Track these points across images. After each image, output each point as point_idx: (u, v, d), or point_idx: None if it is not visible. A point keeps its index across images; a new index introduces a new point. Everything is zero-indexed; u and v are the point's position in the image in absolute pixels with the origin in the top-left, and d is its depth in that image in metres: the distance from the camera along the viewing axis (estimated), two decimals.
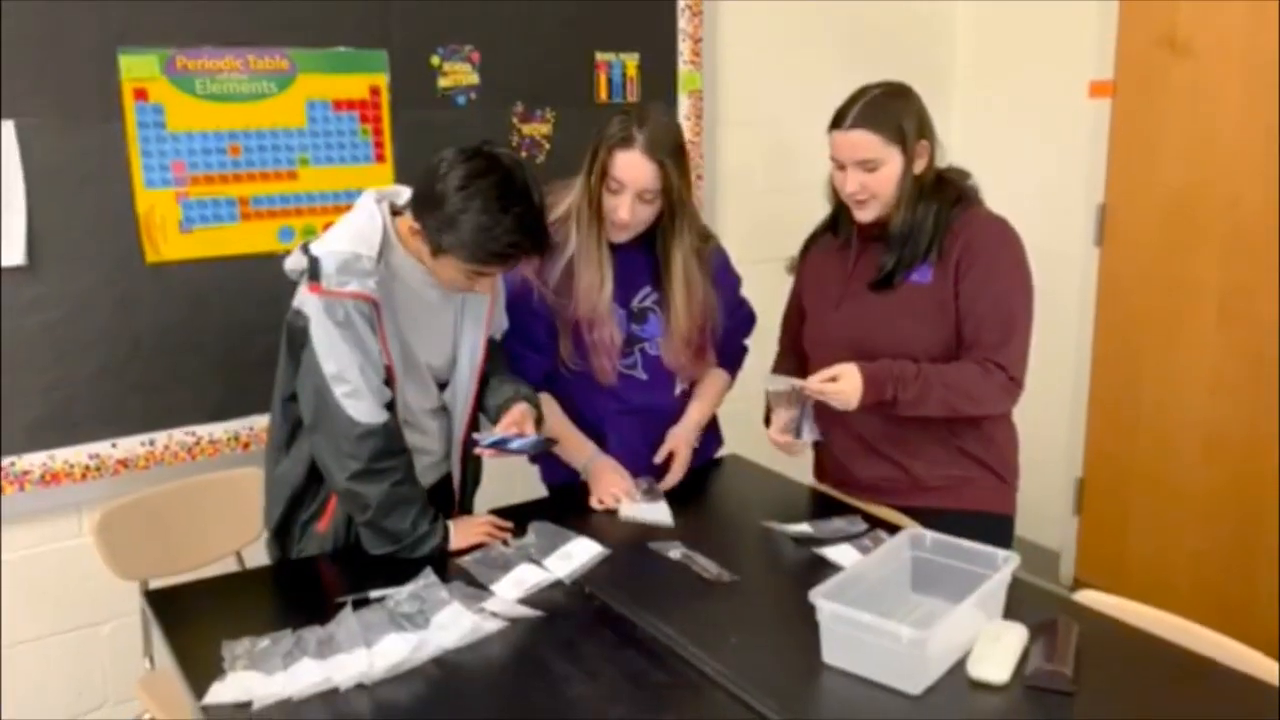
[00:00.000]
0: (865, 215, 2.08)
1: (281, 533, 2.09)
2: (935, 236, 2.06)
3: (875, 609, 1.59)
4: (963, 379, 2.02)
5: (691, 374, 2.32)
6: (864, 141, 2.01)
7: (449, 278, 1.90)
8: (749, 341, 2.45)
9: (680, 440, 2.30)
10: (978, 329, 2.04)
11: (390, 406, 1.96)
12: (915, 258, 2.06)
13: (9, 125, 2.28)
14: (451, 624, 1.72)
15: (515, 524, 2.09)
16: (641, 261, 2.21)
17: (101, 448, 2.50)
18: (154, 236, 2.47)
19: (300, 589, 1.97)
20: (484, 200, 1.79)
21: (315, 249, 1.87)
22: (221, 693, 1.55)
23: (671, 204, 2.11)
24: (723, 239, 3.38)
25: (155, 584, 2.36)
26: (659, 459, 2.30)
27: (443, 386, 2.11)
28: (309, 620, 1.74)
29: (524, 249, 1.86)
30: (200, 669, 1.63)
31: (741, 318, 2.41)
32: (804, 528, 2.06)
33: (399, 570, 1.90)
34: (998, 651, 1.60)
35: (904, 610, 1.76)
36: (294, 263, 1.90)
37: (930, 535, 1.82)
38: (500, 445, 1.98)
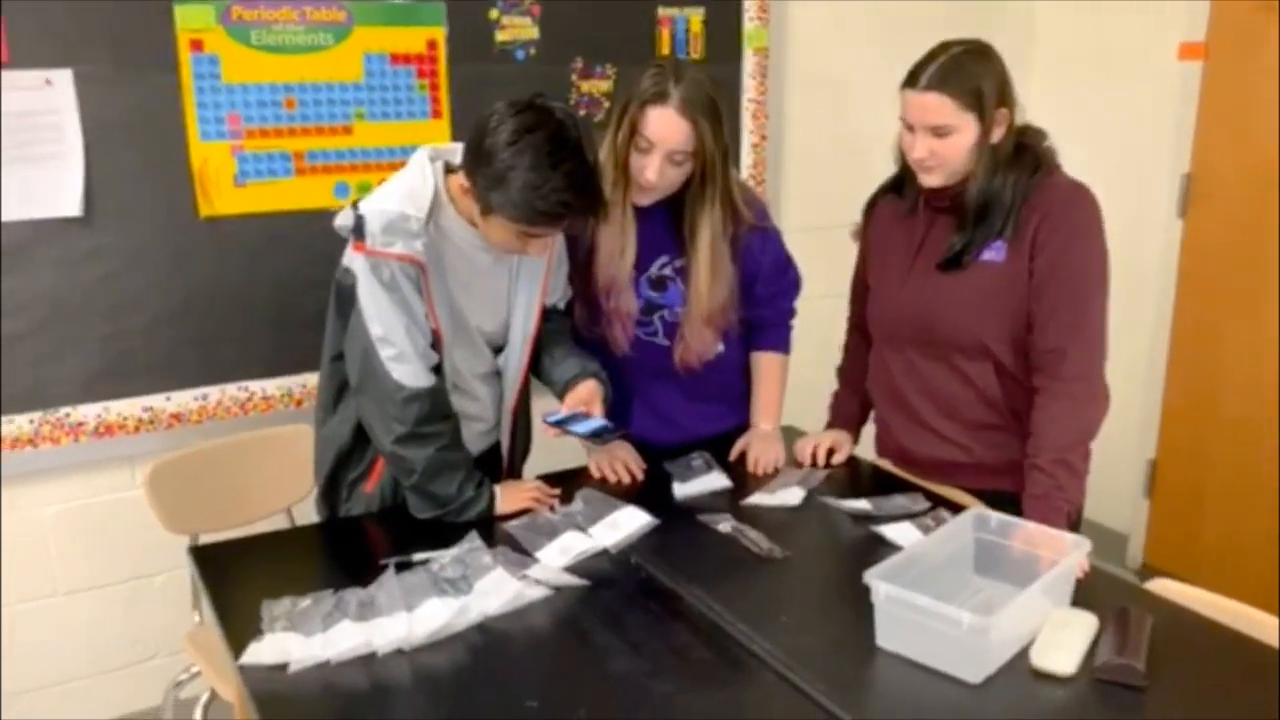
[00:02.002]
0: (929, 181, 1.96)
1: (329, 491, 2.07)
2: (1012, 211, 1.93)
3: (934, 591, 1.52)
4: (1070, 433, 1.90)
5: (708, 356, 2.20)
6: (937, 105, 1.88)
7: (500, 239, 1.84)
8: (797, 304, 2.35)
9: (761, 455, 2.21)
10: (1050, 311, 1.91)
11: (438, 370, 1.92)
12: (989, 236, 1.94)
13: (67, 74, 2.26)
14: (494, 590, 1.68)
15: (563, 491, 2.04)
16: (662, 227, 2.10)
17: (155, 401, 2.50)
18: (208, 190, 2.45)
19: (345, 549, 1.95)
20: (534, 156, 1.72)
21: (364, 207, 1.83)
22: (259, 653, 1.53)
23: (703, 168, 2.00)
24: (786, 204, 3.33)
25: (205, 538, 2.39)
26: (733, 456, 2.23)
27: (499, 351, 2.07)
28: (352, 581, 1.71)
29: (575, 208, 1.78)
30: (241, 627, 1.61)
31: (787, 283, 2.28)
32: (862, 504, 1.98)
33: (444, 533, 1.87)
34: (1064, 641, 1.52)
35: (965, 594, 1.68)
36: (343, 220, 1.86)
37: (995, 516, 1.74)
38: (566, 425, 1.93)
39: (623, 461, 2.15)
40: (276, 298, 2.57)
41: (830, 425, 2.32)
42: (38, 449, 2.40)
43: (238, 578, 1.80)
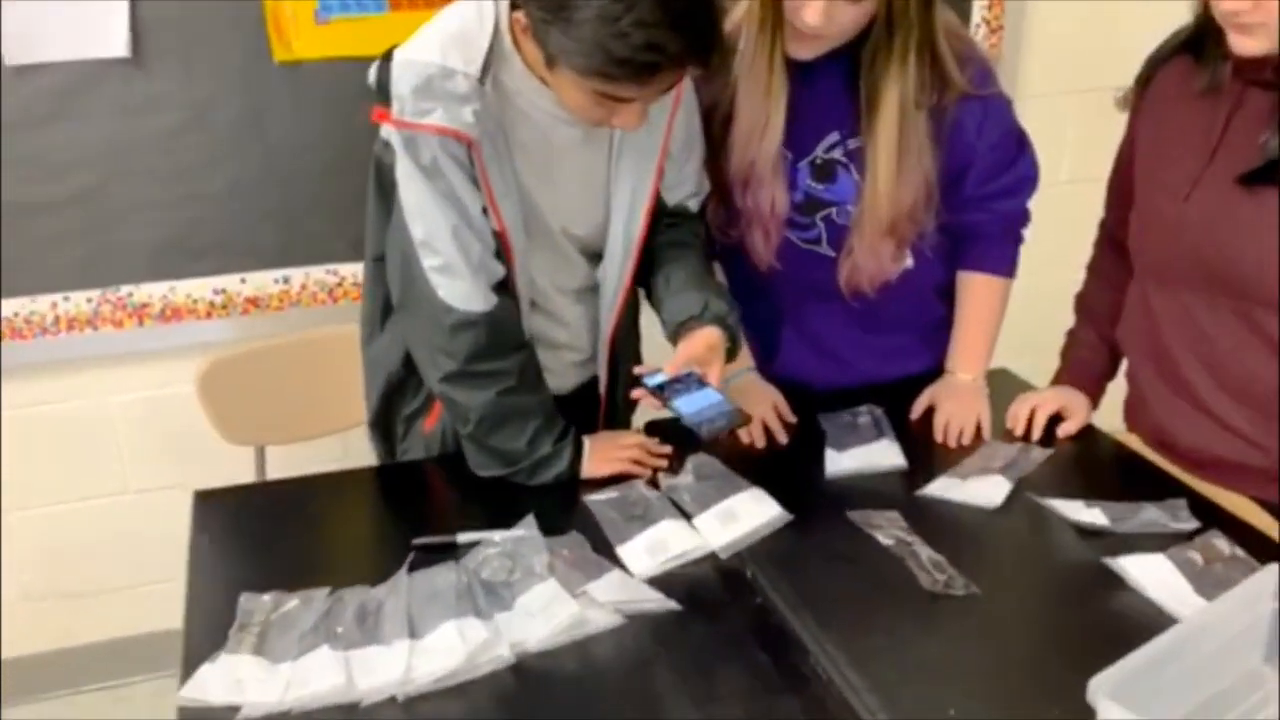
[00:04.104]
0: (1247, 46, 1.23)
1: (382, 425, 1.63)
2: None
3: (1203, 690, 1.01)
4: None
5: (885, 279, 1.59)
6: None
7: (574, 102, 1.28)
8: (1031, 204, 1.69)
9: (954, 416, 1.61)
10: None
11: (504, 286, 1.41)
12: None
13: None
14: (541, 611, 1.21)
15: (674, 451, 1.53)
16: (832, 92, 1.48)
17: (228, 282, 2.13)
18: (283, 28, 1.99)
19: (384, 511, 1.53)
20: None
21: (396, 57, 1.31)
22: (205, 685, 1.12)
23: (889, 6, 1.37)
24: (1030, 59, 2.56)
25: (272, 451, 2.04)
26: (915, 413, 1.65)
27: (598, 258, 1.54)
28: (376, 563, 1.29)
29: (669, 54, 1.17)
30: (212, 627, 1.21)
31: (1016, 177, 1.61)
32: (1095, 514, 1.36)
33: (518, 496, 1.43)
34: None
35: (1247, 703, 1.08)
36: (372, 75, 1.35)
37: None
38: (667, 393, 1.38)
39: (762, 417, 1.60)
40: (371, 161, 2.10)
41: (1059, 379, 1.68)
42: (98, 331, 2.09)
43: (237, 542, 1.41)
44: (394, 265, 1.41)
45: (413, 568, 1.29)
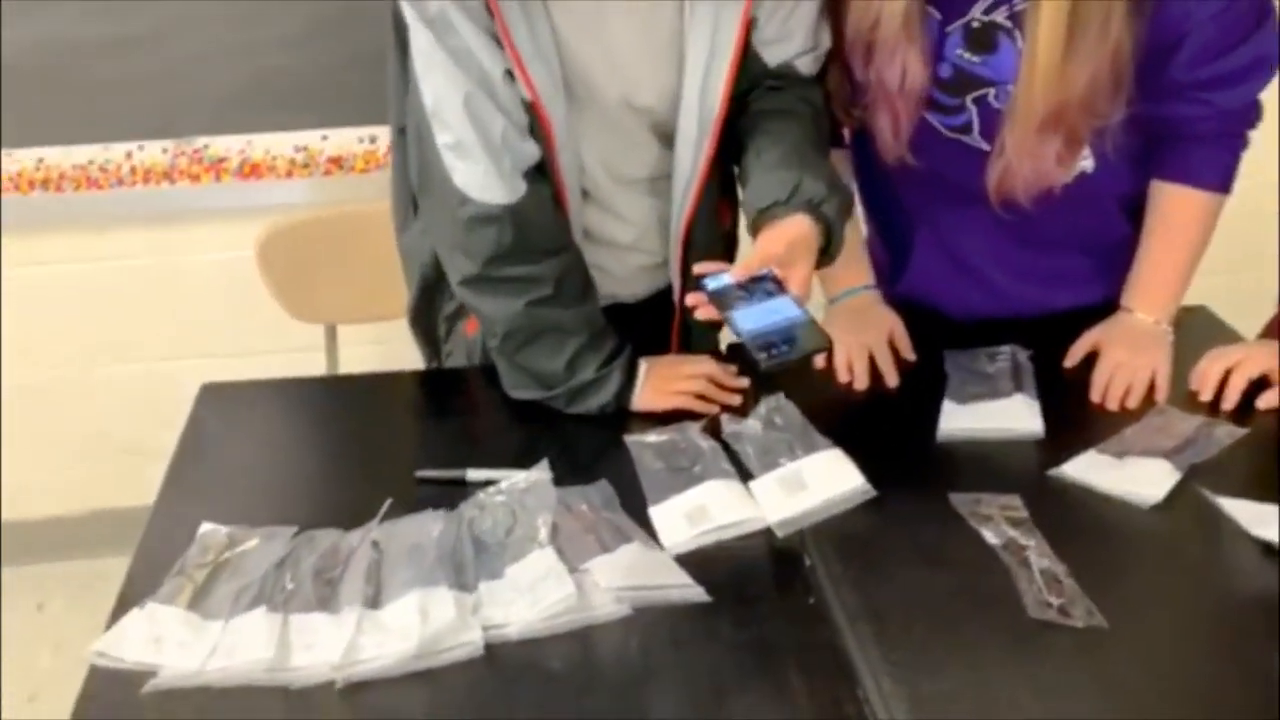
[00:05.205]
0: None
1: (423, 324, 1.41)
2: None
3: None
4: None
5: (1045, 186, 1.21)
6: None
7: None
8: (1264, 95, 1.25)
9: (1120, 371, 1.24)
10: None
11: (541, 171, 1.13)
12: None
13: None
14: (530, 588, 0.98)
15: (752, 385, 1.24)
16: None
17: (310, 139, 1.94)
18: None
19: (410, 423, 1.32)
20: None
21: None
22: (122, 640, 0.95)
23: None
24: None
25: (343, 329, 1.88)
26: (1071, 360, 1.29)
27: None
28: (379, 489, 1.09)
29: None
30: (164, 551, 1.04)
31: (1245, 60, 1.18)
32: None
33: (561, 423, 1.22)
34: None
35: None
36: None
37: None
38: (728, 301, 1.06)
39: (869, 346, 1.28)
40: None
41: (1271, 330, 1.29)
42: (175, 185, 1.94)
43: (228, 451, 1.23)
44: (413, 140, 1.16)
45: (411, 506, 1.08)
